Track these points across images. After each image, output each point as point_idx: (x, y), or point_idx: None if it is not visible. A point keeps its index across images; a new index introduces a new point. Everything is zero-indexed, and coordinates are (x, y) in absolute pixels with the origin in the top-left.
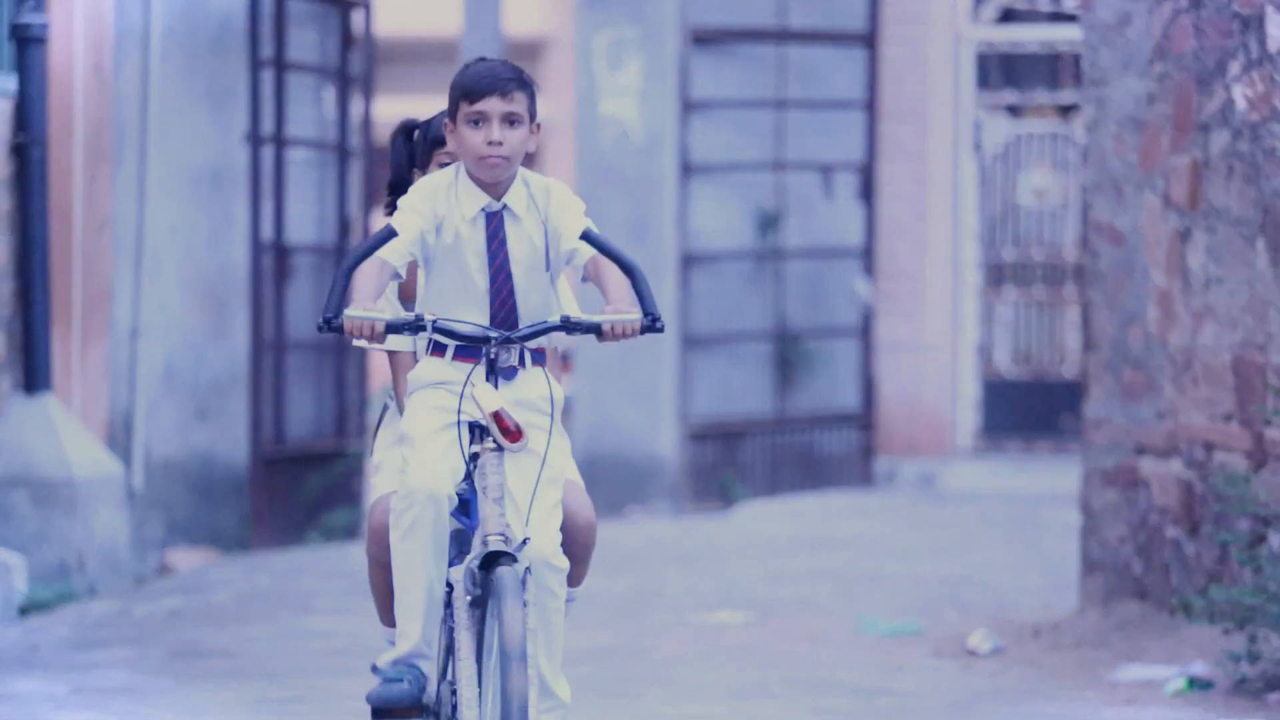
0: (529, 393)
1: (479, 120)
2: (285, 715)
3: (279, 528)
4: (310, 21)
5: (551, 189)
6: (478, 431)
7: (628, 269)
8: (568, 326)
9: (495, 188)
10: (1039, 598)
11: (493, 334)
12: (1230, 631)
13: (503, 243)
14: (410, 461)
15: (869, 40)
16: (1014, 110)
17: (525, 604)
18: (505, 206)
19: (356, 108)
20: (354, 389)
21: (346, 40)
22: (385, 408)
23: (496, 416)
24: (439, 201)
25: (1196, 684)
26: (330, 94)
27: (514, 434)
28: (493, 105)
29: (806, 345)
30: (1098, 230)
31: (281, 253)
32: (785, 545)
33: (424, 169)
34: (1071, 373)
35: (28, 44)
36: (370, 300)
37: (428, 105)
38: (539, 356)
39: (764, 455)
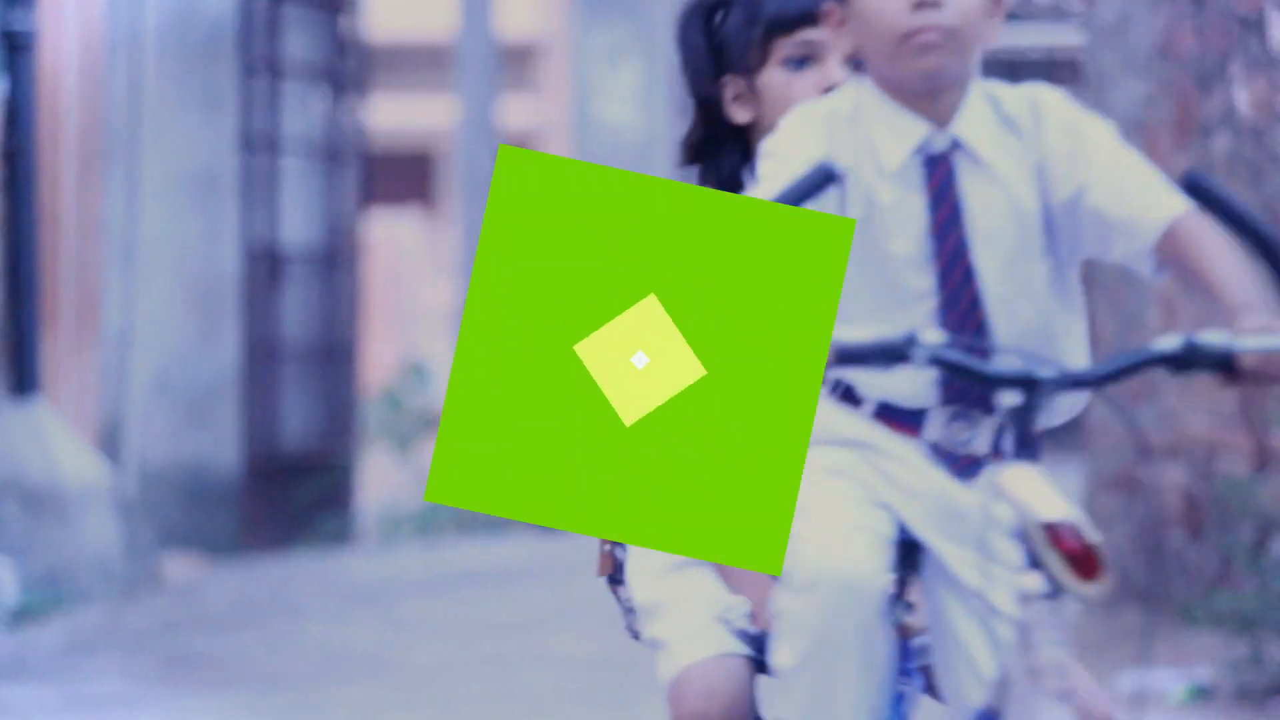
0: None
1: None
2: None
3: (271, 534)
4: (303, 25)
5: (1044, 104)
6: (908, 550)
7: (1268, 242)
8: (1187, 358)
9: (935, 105)
10: None
11: (1047, 375)
12: (1233, 637)
13: (957, 208)
14: (799, 534)
15: None
16: None
17: None
18: (956, 142)
19: (349, 112)
20: (346, 395)
21: (339, 44)
22: None
23: (1054, 532)
24: (839, 145)
25: (1199, 690)
26: (323, 98)
27: (1089, 562)
28: None
29: None
30: None
31: (274, 258)
32: None
33: (749, 75)
34: None
35: (18, 48)
36: None
37: (422, 109)
38: (1031, 445)
39: None
